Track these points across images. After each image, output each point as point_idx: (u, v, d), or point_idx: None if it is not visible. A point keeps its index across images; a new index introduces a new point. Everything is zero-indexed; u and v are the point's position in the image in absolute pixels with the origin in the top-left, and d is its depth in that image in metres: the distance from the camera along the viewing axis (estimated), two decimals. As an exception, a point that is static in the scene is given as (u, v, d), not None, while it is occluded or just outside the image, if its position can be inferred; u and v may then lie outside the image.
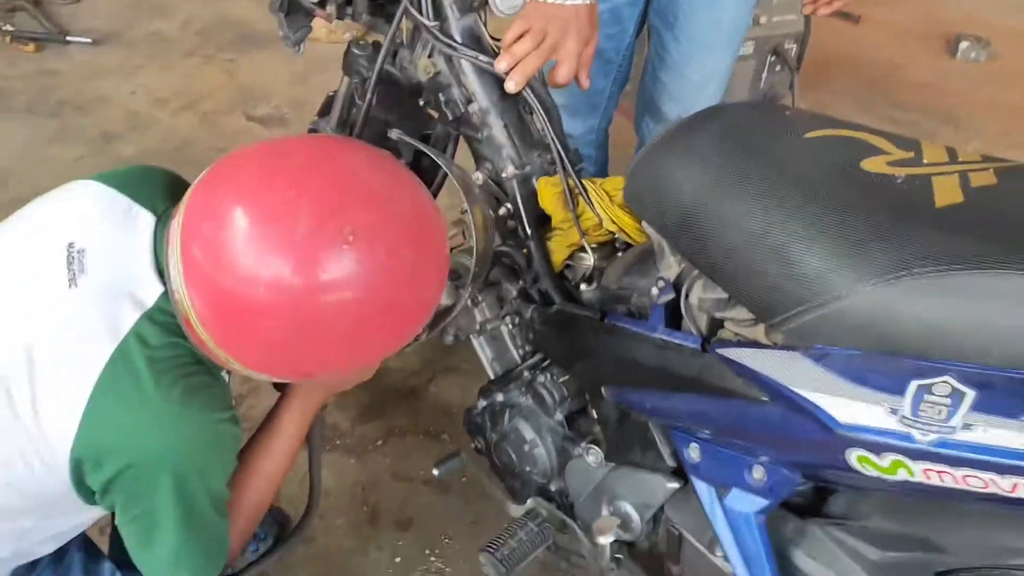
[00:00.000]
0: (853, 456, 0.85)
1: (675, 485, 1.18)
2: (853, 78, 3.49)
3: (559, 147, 1.27)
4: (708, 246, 0.97)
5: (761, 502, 1.04)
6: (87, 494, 1.00)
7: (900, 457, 0.82)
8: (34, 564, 1.15)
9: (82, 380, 0.94)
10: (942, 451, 0.78)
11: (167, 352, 0.98)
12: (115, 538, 1.43)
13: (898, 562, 1.00)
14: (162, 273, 1.00)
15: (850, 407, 0.84)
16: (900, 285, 0.80)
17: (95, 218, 1.03)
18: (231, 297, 0.90)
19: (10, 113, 3.09)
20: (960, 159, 0.93)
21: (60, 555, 1.18)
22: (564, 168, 1.26)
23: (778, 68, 2.47)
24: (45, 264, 0.99)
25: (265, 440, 1.21)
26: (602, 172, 2.09)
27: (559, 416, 1.33)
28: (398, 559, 1.68)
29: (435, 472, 1.44)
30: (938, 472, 0.80)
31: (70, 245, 0.99)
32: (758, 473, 1.03)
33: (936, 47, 3.83)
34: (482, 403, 1.41)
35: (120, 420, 0.95)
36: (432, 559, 1.68)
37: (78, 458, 0.95)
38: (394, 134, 1.45)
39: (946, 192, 0.86)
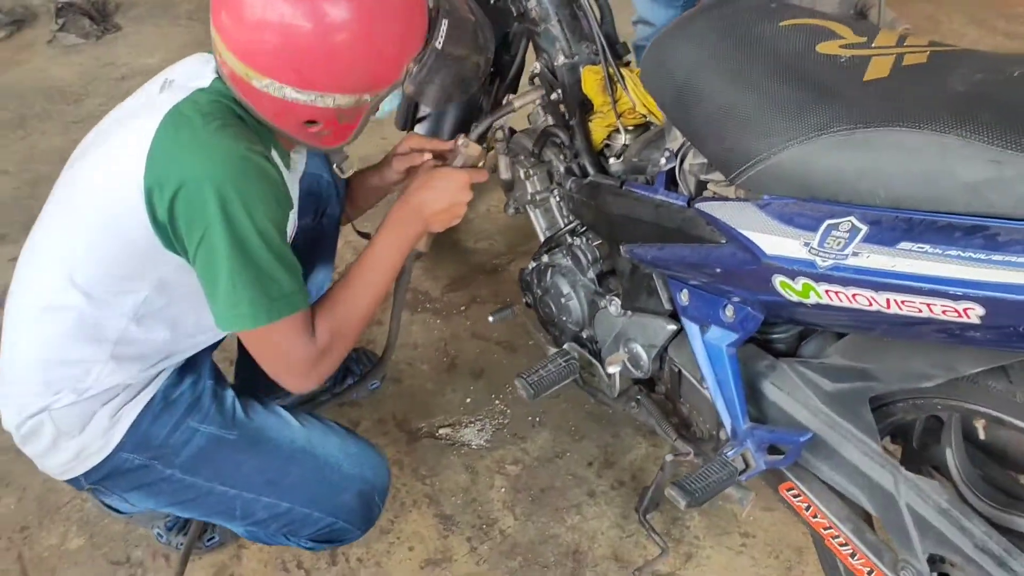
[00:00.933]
0: (777, 281, 1.05)
1: (673, 327, 1.40)
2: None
3: (602, 40, 1.47)
4: (691, 117, 1.17)
5: (732, 336, 1.25)
6: (163, 233, 1.19)
7: (809, 280, 1.01)
8: (174, 392, 1.38)
9: (149, 128, 1.17)
10: (834, 273, 0.98)
11: (214, 108, 1.20)
12: (239, 369, 1.73)
13: (844, 391, 1.20)
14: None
15: (775, 241, 1.04)
16: (819, 141, 0.99)
17: (187, 63, 1.32)
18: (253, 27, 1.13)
19: (176, 20, 3.50)
20: (906, 44, 1.08)
21: (195, 384, 1.41)
22: (605, 58, 1.46)
23: (871, -21, 2.52)
24: (147, 93, 1.30)
25: (361, 260, 1.36)
26: None
27: (591, 274, 1.56)
28: (468, 400, 1.98)
29: (490, 319, 1.71)
30: (835, 292, 0.99)
31: (165, 80, 1.29)
32: (729, 311, 1.24)
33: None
34: (532, 264, 1.66)
35: (173, 150, 1.16)
36: (496, 402, 1.97)
37: (148, 188, 1.15)
38: None
39: (877, 69, 1.03)
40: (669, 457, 1.47)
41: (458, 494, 1.78)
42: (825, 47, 1.10)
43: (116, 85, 3.16)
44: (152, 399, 1.33)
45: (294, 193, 1.43)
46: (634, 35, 2.29)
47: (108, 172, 1.23)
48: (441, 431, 1.92)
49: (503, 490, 1.78)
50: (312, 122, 1.23)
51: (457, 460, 1.85)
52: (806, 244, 1.01)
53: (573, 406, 1.92)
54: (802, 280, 1.02)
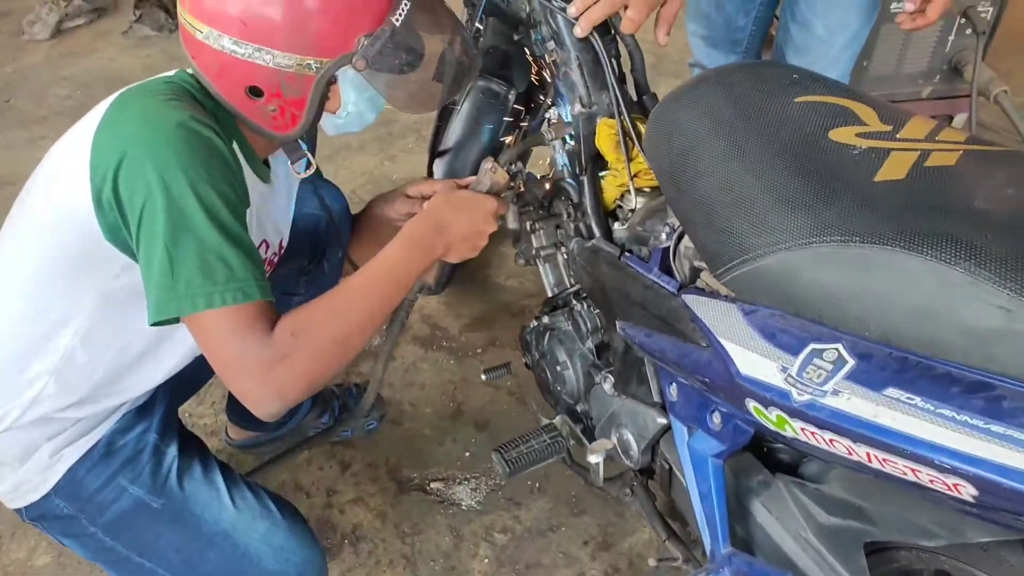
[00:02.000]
0: (751, 406, 0.90)
1: (664, 421, 1.25)
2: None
3: (615, 91, 1.33)
4: (682, 194, 1.02)
5: (719, 446, 1.10)
6: (107, 221, 1.07)
7: (782, 413, 0.86)
8: (120, 439, 1.28)
9: (98, 113, 1.11)
10: (809, 412, 0.82)
11: (166, 87, 1.13)
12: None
13: (838, 527, 1.03)
14: None
15: (751, 359, 0.89)
16: (808, 251, 0.83)
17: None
18: None
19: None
20: (937, 138, 0.91)
21: (142, 435, 1.29)
22: (618, 111, 1.33)
23: (968, 32, 2.29)
24: None
25: (360, 270, 1.18)
26: None
27: (590, 344, 1.42)
28: (468, 453, 1.86)
29: (483, 377, 1.59)
30: (811, 432, 0.84)
31: None
32: (716, 419, 1.08)
33: None
34: (533, 323, 1.53)
35: (117, 126, 1.08)
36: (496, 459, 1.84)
37: (92, 168, 1.06)
38: None
39: (893, 167, 0.86)
40: (652, 562, 1.32)
41: (438, 559, 1.66)
42: (839, 134, 0.93)
43: (180, 81, 3.16)
44: (96, 444, 1.25)
45: (276, 213, 1.34)
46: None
47: (57, 164, 1.16)
48: (433, 485, 1.80)
49: (486, 561, 1.65)
50: (256, 91, 1.13)
51: (443, 520, 1.73)
52: (784, 369, 0.85)
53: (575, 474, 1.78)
54: (776, 412, 0.87)
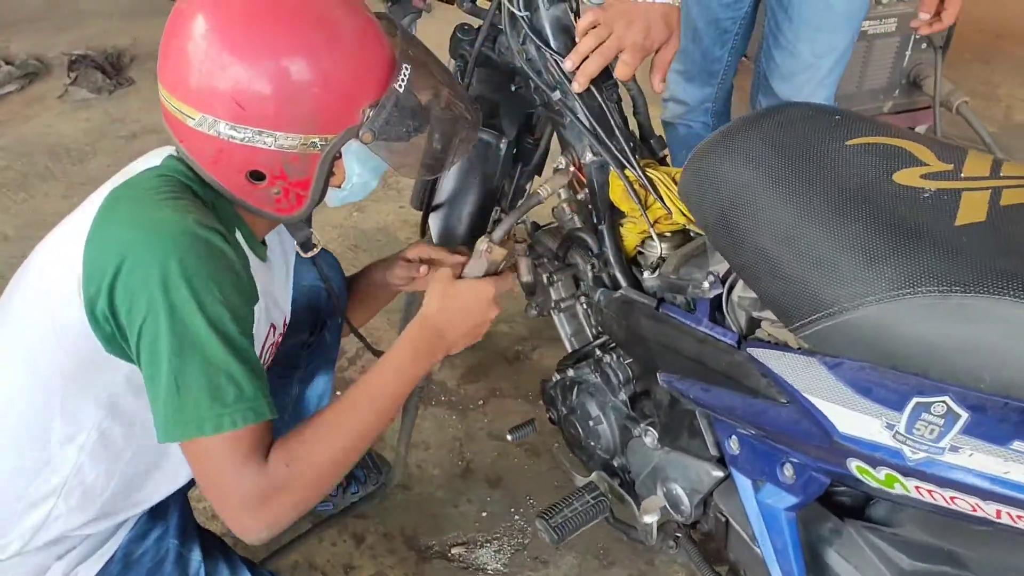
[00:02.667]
0: (853, 466, 0.87)
1: (720, 474, 1.21)
2: (1028, 51, 3.23)
3: (621, 143, 1.30)
4: (739, 246, 0.99)
5: (792, 499, 1.07)
6: (104, 333, 1.01)
7: (893, 472, 0.83)
8: (137, 548, 1.20)
9: (88, 213, 1.04)
10: (927, 471, 0.79)
11: (160, 182, 1.05)
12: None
13: (925, 572, 1.01)
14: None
15: (851, 417, 0.86)
16: (904, 303, 0.81)
17: (146, 156, 1.15)
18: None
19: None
20: (1002, 174, 0.90)
21: (160, 540, 1.22)
22: (628, 161, 1.29)
23: (924, 47, 2.34)
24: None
25: (359, 385, 1.13)
26: None
27: (623, 396, 1.38)
28: (485, 513, 1.79)
29: (508, 437, 1.53)
30: (928, 491, 0.81)
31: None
32: (789, 471, 1.05)
33: None
34: (556, 377, 1.49)
35: (111, 229, 1.01)
36: (516, 517, 1.78)
37: (86, 277, 0.99)
38: None
39: (971, 209, 0.85)
40: (711, 615, 1.28)
41: (471, 629, 1.60)
42: (904, 176, 0.92)
43: (124, 144, 3.04)
44: (112, 557, 1.16)
45: (277, 291, 1.26)
46: (664, 112, 2.13)
47: (45, 269, 1.07)
48: (454, 551, 1.73)
49: (522, 625, 1.60)
50: (257, 175, 1.06)
51: (471, 587, 1.66)
52: (890, 426, 0.83)
53: (602, 524, 1.73)
54: (885, 471, 0.84)
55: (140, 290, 0.96)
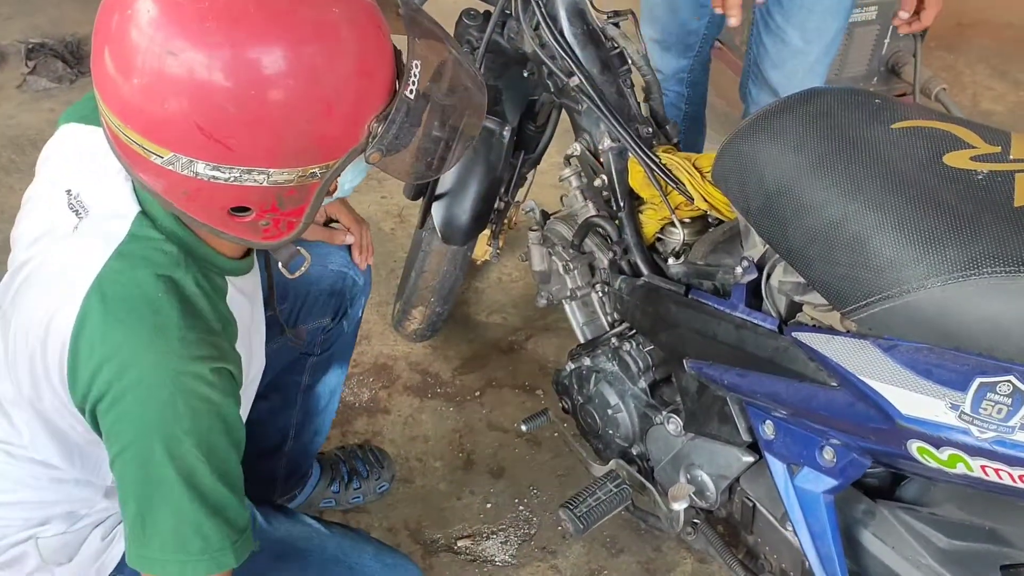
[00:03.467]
0: (914, 447, 0.88)
1: (750, 459, 1.22)
2: (991, 39, 3.30)
3: (640, 127, 1.30)
4: (788, 231, 0.99)
5: (831, 482, 1.07)
6: (94, 427, 0.97)
7: (958, 452, 0.84)
8: None
9: (68, 316, 0.91)
10: (999, 449, 0.80)
11: (146, 279, 0.92)
12: None
13: (965, 551, 1.02)
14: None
15: (913, 399, 0.86)
16: (969, 284, 0.81)
17: (87, 165, 1.00)
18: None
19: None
20: (1051, 155, 0.91)
21: None
22: (648, 147, 1.29)
23: (901, 34, 2.37)
24: (55, 220, 0.99)
25: None
26: (696, 111, 2.11)
27: (643, 384, 1.38)
28: (489, 505, 1.78)
29: (522, 427, 1.52)
30: (995, 469, 0.82)
31: (72, 199, 0.98)
32: (829, 454, 1.06)
33: (1089, 6, 3.57)
34: (570, 366, 1.48)
35: (99, 342, 0.90)
36: (520, 508, 1.77)
37: (71, 383, 0.94)
38: None
39: (1028, 191, 0.86)
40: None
41: (484, 622, 1.58)
42: (954, 158, 0.92)
43: (90, 136, 2.94)
44: None
45: (248, 302, 1.11)
46: None
47: (30, 333, 0.96)
48: (460, 543, 1.71)
49: (534, 616, 1.59)
50: (241, 210, 0.91)
51: (481, 579, 1.65)
52: (954, 407, 0.83)
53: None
54: (949, 451, 0.84)
55: (119, 425, 0.92)
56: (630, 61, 1.40)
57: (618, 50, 1.39)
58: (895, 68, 2.43)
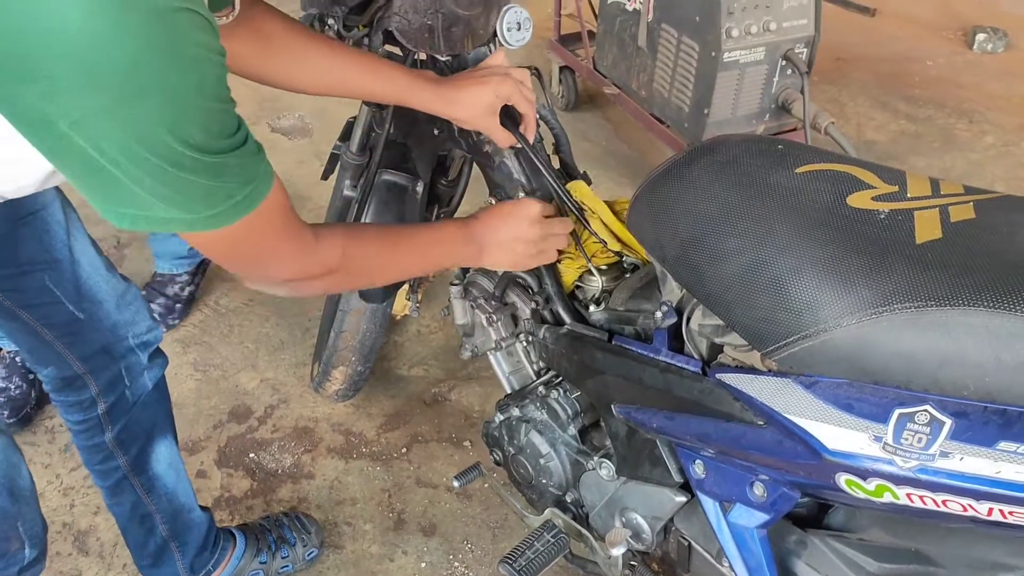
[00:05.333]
0: (842, 480, 0.91)
1: (683, 499, 1.23)
2: (868, 73, 3.50)
3: (553, 179, 1.32)
4: (705, 277, 1.02)
5: (763, 517, 1.09)
6: None
7: (885, 482, 0.87)
8: None
9: None
10: (922, 477, 0.84)
11: None
12: None
13: (895, 573, 1.06)
14: None
15: (837, 433, 0.89)
16: (882, 320, 0.85)
17: None
18: None
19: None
20: (942, 192, 0.97)
21: None
22: (562, 198, 1.31)
23: (789, 72, 2.50)
24: None
25: (406, 230, 1.20)
26: None
27: (572, 430, 1.39)
28: (423, 564, 1.75)
29: (455, 483, 1.51)
30: (920, 496, 0.85)
31: None
32: (759, 490, 1.08)
33: (952, 39, 3.82)
34: (499, 417, 1.48)
35: None
36: (456, 564, 1.75)
37: None
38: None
39: (926, 228, 0.91)
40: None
41: None
42: (857, 199, 0.97)
43: None
44: None
45: None
46: None
47: None
48: (398, 606, 1.68)
49: (479, 675, 1.56)
50: None
51: (421, 642, 1.62)
52: (877, 439, 0.86)
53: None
54: (876, 481, 0.87)
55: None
56: (537, 115, 1.43)
57: None
58: (785, 104, 2.54)
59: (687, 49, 2.53)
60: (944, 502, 0.84)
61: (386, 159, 1.61)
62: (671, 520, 1.28)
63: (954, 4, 4.05)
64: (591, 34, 3.12)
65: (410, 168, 1.63)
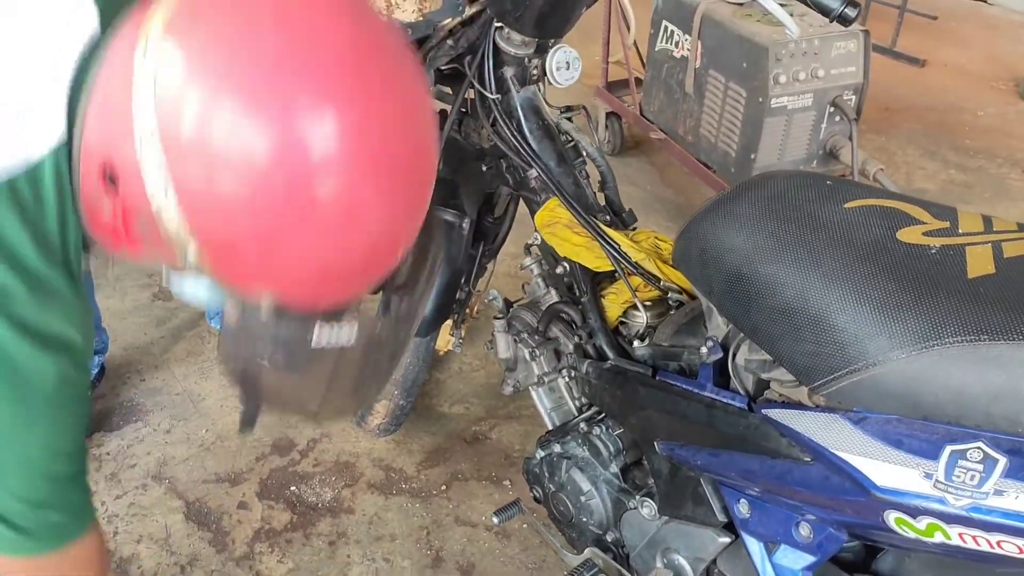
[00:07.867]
0: (891, 518, 0.89)
1: (726, 540, 1.21)
2: (917, 123, 3.47)
3: (598, 216, 1.32)
4: (751, 311, 1.01)
5: (809, 559, 1.07)
6: None
7: (936, 520, 0.85)
8: None
9: None
10: (975, 516, 0.81)
11: None
12: None
13: (944, 619, 1.02)
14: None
15: (887, 470, 0.87)
16: (932, 354, 0.84)
17: None
18: None
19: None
20: (995, 228, 0.96)
21: None
22: (607, 235, 1.32)
23: (837, 119, 2.49)
24: None
25: None
26: None
27: (614, 468, 1.38)
28: (461, 603, 1.74)
29: (495, 520, 1.50)
30: (972, 536, 0.83)
31: None
32: (805, 530, 1.06)
33: (1003, 90, 3.79)
34: (540, 453, 1.47)
35: None
36: (493, 604, 1.73)
37: None
38: None
39: (978, 263, 0.89)
40: None
41: None
42: (907, 234, 0.96)
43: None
44: None
45: None
46: None
47: None
48: (435, 645, 1.67)
49: None
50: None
51: None
52: (928, 476, 0.85)
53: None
54: (927, 520, 0.85)
55: None
56: (584, 153, 1.44)
57: (572, 143, 1.44)
58: (833, 151, 2.54)
59: (734, 95, 2.55)
60: (999, 543, 0.81)
61: (434, 196, 1.63)
62: (714, 562, 1.25)
63: (1004, 55, 4.03)
64: (638, 81, 3.15)
65: (458, 204, 1.65)
